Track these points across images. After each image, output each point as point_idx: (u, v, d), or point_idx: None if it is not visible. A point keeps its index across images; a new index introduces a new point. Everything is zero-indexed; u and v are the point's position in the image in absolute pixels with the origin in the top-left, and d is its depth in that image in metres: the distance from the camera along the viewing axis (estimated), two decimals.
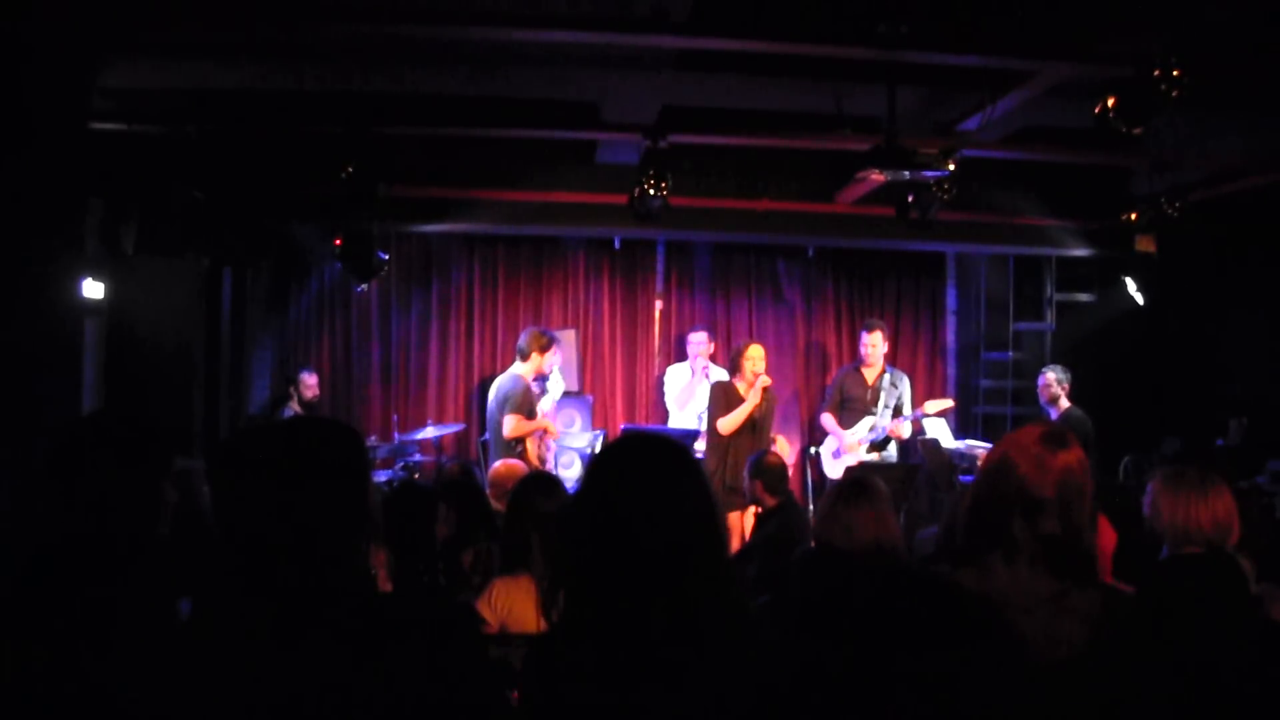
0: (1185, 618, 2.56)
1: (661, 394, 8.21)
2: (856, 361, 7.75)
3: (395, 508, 4.09)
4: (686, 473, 1.70)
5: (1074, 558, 1.81)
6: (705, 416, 7.17)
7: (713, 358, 7.84)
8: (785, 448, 6.93)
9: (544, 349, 6.53)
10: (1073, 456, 1.84)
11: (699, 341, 7.75)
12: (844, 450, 7.37)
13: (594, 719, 1.58)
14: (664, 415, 8.06)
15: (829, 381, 8.83)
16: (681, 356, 8.21)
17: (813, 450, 7.90)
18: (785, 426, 8.22)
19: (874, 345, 7.48)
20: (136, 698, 1.61)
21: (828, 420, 7.57)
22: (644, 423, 8.48)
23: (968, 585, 1.81)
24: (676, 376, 7.90)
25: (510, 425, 6.28)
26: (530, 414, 6.38)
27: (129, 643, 1.71)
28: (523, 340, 6.62)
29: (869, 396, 7.42)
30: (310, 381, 7.93)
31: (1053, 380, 7.41)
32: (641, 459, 1.71)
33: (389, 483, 7.31)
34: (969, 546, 1.88)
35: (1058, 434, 1.89)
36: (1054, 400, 7.39)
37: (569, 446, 7.78)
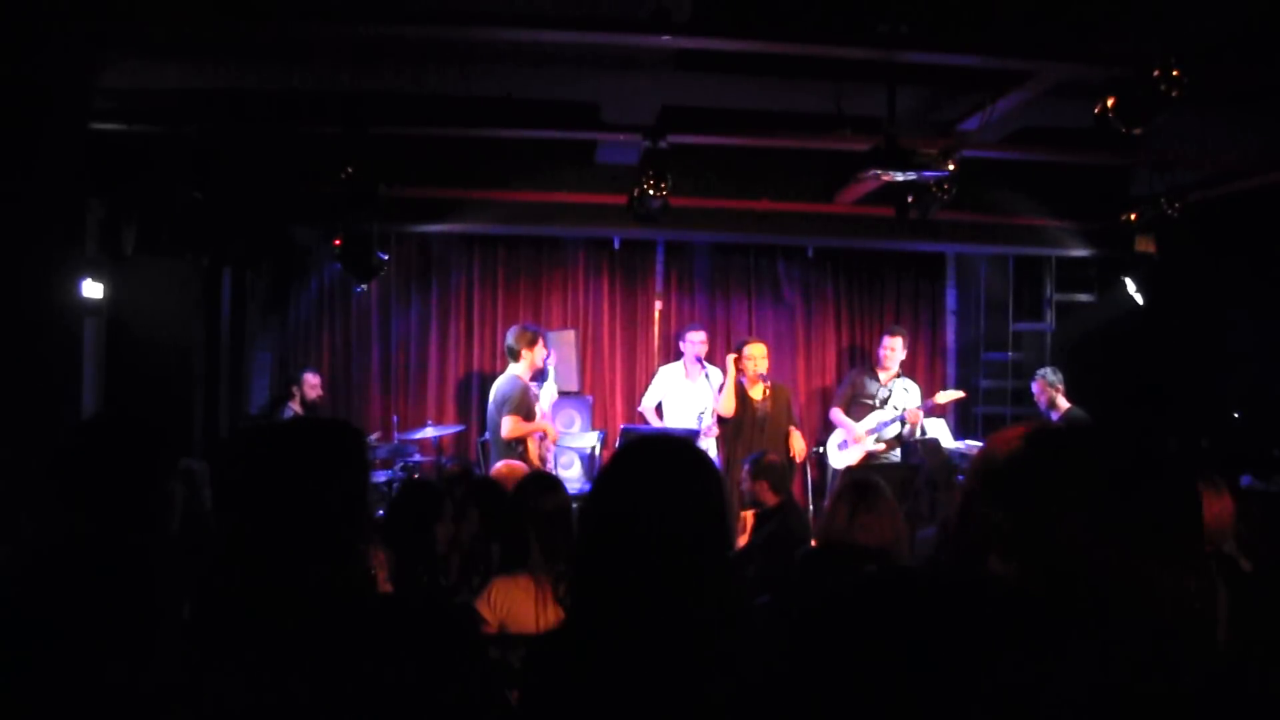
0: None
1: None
2: (871, 363, 7.75)
3: (402, 506, 4.11)
4: (702, 475, 1.71)
5: None
6: (704, 416, 7.19)
7: (709, 357, 7.83)
8: (799, 444, 6.93)
9: (531, 343, 6.53)
10: None
11: (699, 341, 7.67)
12: (851, 442, 7.38)
13: (597, 717, 1.58)
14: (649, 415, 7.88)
15: (829, 381, 8.85)
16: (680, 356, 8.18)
17: (817, 449, 7.90)
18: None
19: (893, 349, 7.49)
20: (140, 697, 1.61)
21: (836, 414, 7.60)
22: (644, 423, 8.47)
23: None
24: (669, 376, 7.77)
25: (508, 426, 6.27)
26: (529, 415, 6.37)
27: (136, 642, 1.70)
28: (510, 340, 6.60)
29: (880, 395, 7.44)
30: (314, 381, 7.92)
31: (1045, 385, 7.40)
32: (660, 460, 1.72)
33: (389, 483, 7.31)
34: (963, 546, 1.89)
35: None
36: (1052, 403, 7.37)
37: (569, 447, 7.78)
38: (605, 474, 1.76)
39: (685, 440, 1.81)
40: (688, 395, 7.55)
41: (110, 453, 1.92)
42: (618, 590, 1.62)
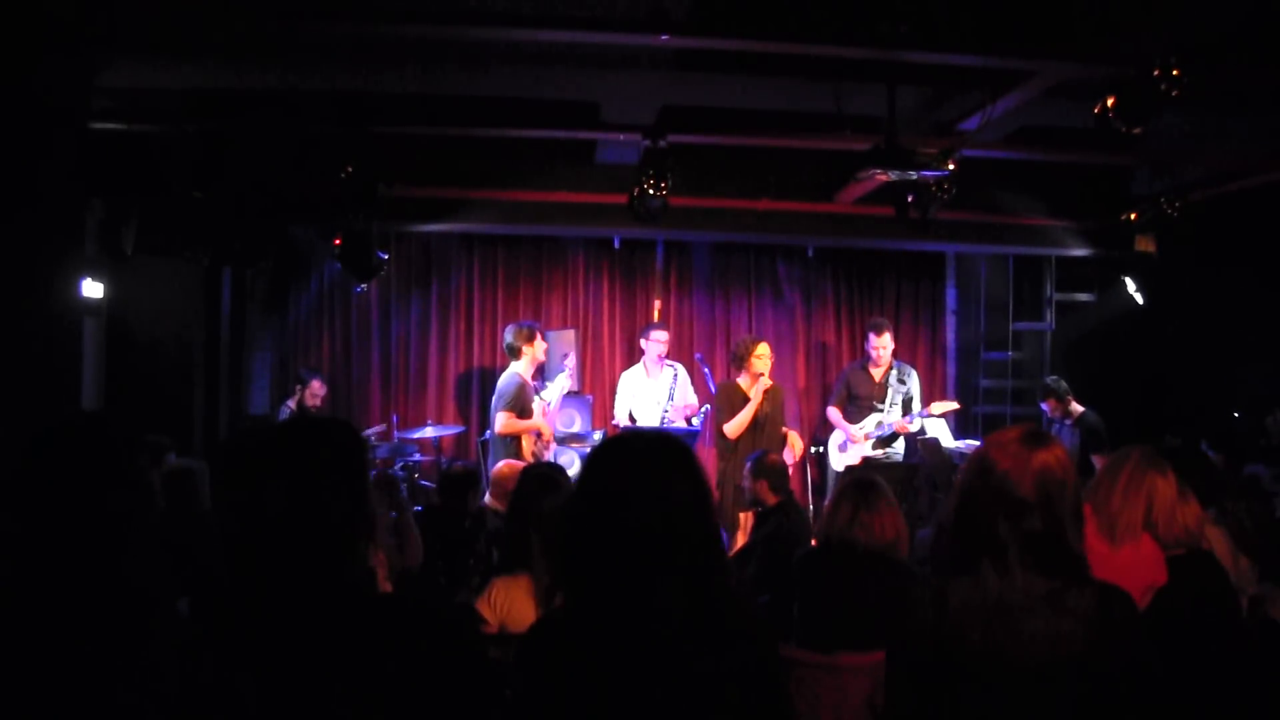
0: (1175, 616, 2.58)
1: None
2: (864, 359, 7.70)
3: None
4: (684, 469, 1.71)
5: (1061, 554, 1.82)
6: (673, 409, 7.16)
7: (708, 356, 7.80)
8: (797, 444, 6.91)
9: (530, 339, 6.51)
10: (1052, 454, 1.86)
11: (663, 340, 7.48)
12: (851, 443, 7.35)
13: (586, 708, 1.59)
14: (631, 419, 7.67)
15: (829, 381, 8.84)
16: (677, 356, 8.11)
17: (814, 450, 7.88)
18: (788, 425, 8.18)
19: (882, 348, 7.41)
20: (132, 694, 1.61)
21: (834, 414, 7.54)
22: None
23: (961, 594, 1.82)
24: (632, 380, 7.62)
25: (501, 422, 6.27)
26: (524, 412, 6.36)
27: (115, 640, 1.70)
28: (509, 338, 6.56)
29: (876, 393, 7.40)
30: (318, 390, 7.86)
31: (1055, 403, 7.30)
32: (641, 454, 1.72)
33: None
34: (960, 553, 1.89)
35: (1037, 433, 1.92)
36: (1066, 413, 7.30)
37: (569, 446, 7.76)
38: (587, 468, 1.77)
39: (669, 435, 1.82)
40: (651, 394, 7.44)
41: (57, 462, 1.89)
42: (596, 581, 1.63)
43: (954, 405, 7.56)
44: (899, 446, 7.35)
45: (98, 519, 1.86)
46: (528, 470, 3.96)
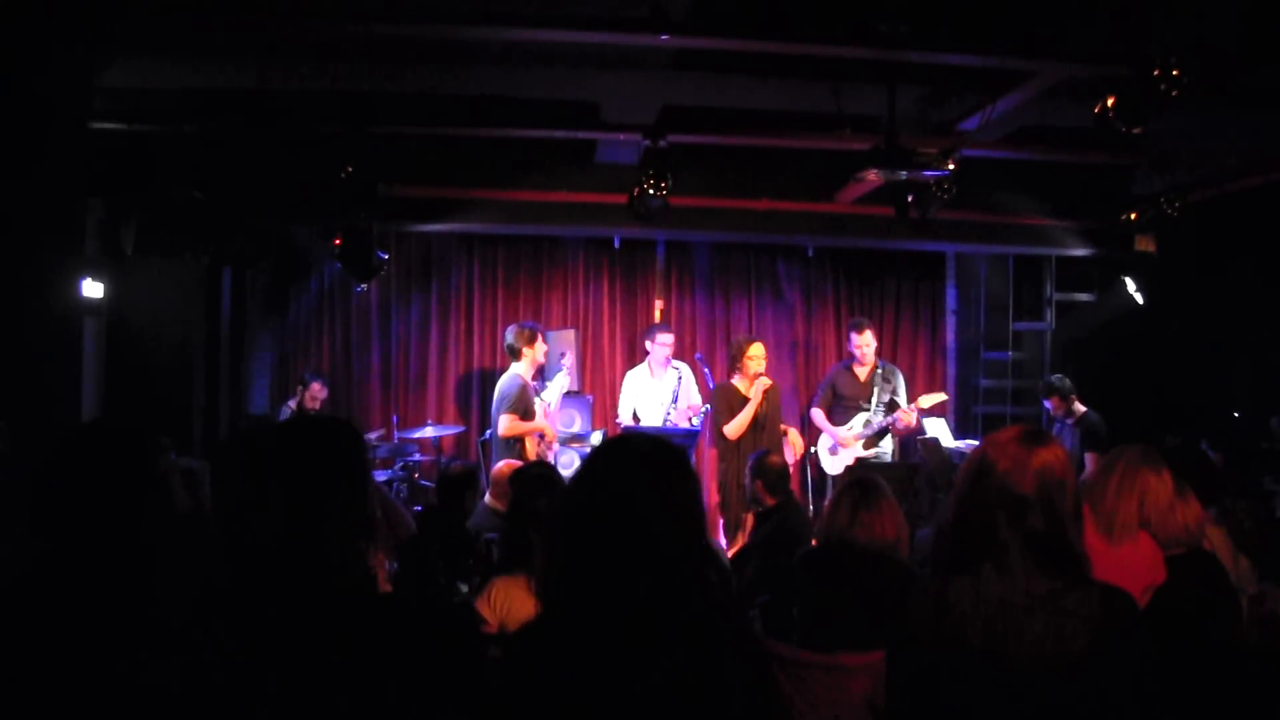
0: (1176, 616, 2.58)
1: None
2: (848, 360, 7.66)
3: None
4: (678, 475, 1.71)
5: (1063, 554, 1.82)
6: (675, 410, 7.15)
7: (708, 357, 7.78)
8: (797, 440, 6.88)
9: (531, 341, 6.48)
10: (1050, 453, 1.86)
11: (669, 343, 7.45)
12: (840, 446, 7.33)
13: (572, 711, 1.59)
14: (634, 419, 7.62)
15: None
16: (677, 355, 8.08)
17: (811, 450, 7.87)
18: (788, 424, 8.16)
19: (865, 345, 7.35)
20: (137, 694, 1.61)
21: (818, 415, 7.50)
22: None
23: (961, 594, 1.82)
24: (637, 380, 7.57)
25: (504, 424, 6.25)
26: (526, 414, 6.34)
27: (129, 641, 1.70)
28: (510, 338, 6.52)
29: (862, 393, 7.36)
30: (318, 394, 7.86)
31: (1058, 401, 7.24)
32: (636, 457, 1.72)
33: (389, 483, 7.32)
34: (959, 553, 1.88)
35: (1035, 432, 1.91)
36: (1068, 412, 7.27)
37: (569, 446, 7.75)
38: (582, 469, 1.77)
39: (664, 440, 1.82)
40: (655, 395, 7.42)
41: (81, 472, 1.87)
42: (586, 583, 1.63)
43: (942, 397, 7.52)
44: (886, 445, 7.31)
45: (132, 530, 1.83)
46: (526, 470, 3.96)
